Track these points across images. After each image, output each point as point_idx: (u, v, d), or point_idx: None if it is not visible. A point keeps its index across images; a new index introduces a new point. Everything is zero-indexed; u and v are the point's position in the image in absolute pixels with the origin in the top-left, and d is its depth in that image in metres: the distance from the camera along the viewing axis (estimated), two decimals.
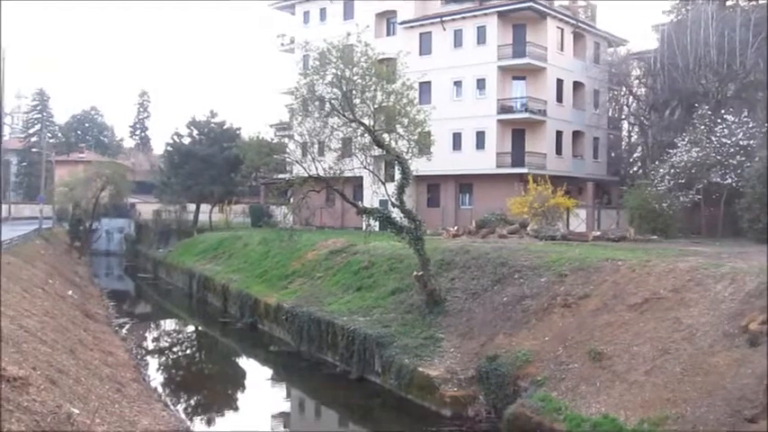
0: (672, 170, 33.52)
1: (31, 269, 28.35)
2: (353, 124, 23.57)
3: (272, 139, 36.01)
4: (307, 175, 24.10)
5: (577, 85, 47.64)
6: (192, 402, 21.17)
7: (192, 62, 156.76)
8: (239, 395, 23.16)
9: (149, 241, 60.43)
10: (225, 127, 57.06)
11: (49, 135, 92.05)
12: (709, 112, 35.14)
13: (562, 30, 46.28)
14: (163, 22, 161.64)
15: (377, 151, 24.71)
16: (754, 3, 41.08)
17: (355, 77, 22.91)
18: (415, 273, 22.45)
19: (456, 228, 35.04)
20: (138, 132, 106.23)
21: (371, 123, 23.49)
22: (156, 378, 21.78)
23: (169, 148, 58.22)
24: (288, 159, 28.61)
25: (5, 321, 14.25)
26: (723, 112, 34.84)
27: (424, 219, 25.34)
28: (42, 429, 9.28)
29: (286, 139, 34.28)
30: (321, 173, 24.07)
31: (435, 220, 41.04)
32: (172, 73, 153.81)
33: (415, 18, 47.54)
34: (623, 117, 53.94)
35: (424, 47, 46.70)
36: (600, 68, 47.93)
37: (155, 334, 33.43)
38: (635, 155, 52.13)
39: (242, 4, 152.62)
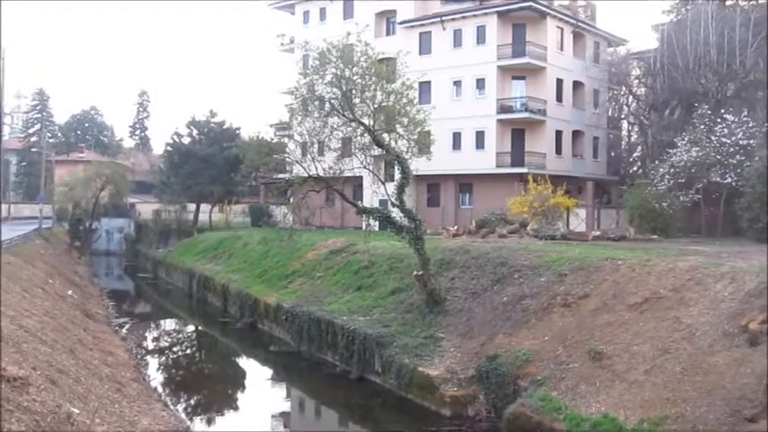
0: (672, 170, 33.54)
1: (30, 269, 28.36)
2: (353, 124, 23.57)
3: (272, 139, 35.93)
4: (306, 174, 24.11)
5: (577, 85, 47.64)
6: (192, 402, 21.17)
7: (192, 62, 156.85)
8: (239, 395, 23.16)
9: (149, 241, 60.44)
10: (225, 127, 57.04)
11: (49, 135, 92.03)
12: (709, 112, 35.15)
13: (562, 29, 46.28)
14: (162, 22, 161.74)
15: (377, 151, 24.71)
16: (753, 2, 41.07)
17: (355, 77, 22.91)
18: (414, 272, 22.46)
19: (456, 227, 35.03)
20: (137, 132, 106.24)
21: (371, 123, 23.50)
22: (155, 378, 21.78)
23: (169, 148, 58.20)
24: (287, 159, 28.60)
25: (5, 321, 14.26)
26: (723, 111, 34.86)
27: (423, 218, 25.32)
28: (42, 429, 9.29)
29: (286, 139, 34.26)
30: (321, 172, 24.08)
31: (435, 220, 41.04)
32: (171, 73, 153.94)
33: (414, 18, 47.54)
34: (623, 117, 53.95)
35: (424, 46, 46.71)
36: (600, 68, 47.93)
37: (155, 334, 33.42)
38: (635, 154, 52.12)
39: (242, 4, 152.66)
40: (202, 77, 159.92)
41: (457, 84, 45.52)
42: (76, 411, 10.97)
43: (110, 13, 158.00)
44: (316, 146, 25.16)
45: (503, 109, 44.18)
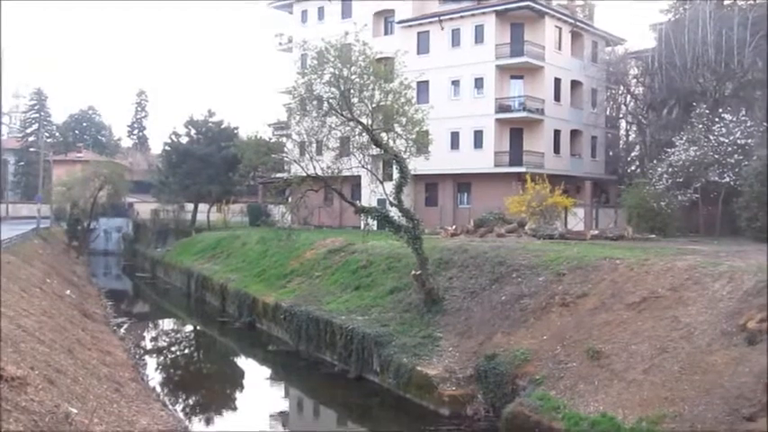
0: (670, 169, 33.58)
1: (29, 269, 28.34)
2: (351, 123, 23.55)
3: (270, 139, 35.98)
4: (305, 174, 24.11)
5: (575, 84, 47.65)
6: (191, 402, 21.14)
7: (190, 62, 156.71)
8: (238, 394, 23.15)
9: (147, 241, 60.42)
10: (223, 126, 56.97)
11: (47, 134, 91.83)
12: (707, 111, 35.19)
13: (560, 29, 46.28)
14: (161, 22, 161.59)
15: (375, 150, 24.72)
16: (751, 2, 41.11)
17: (353, 76, 22.90)
18: (413, 272, 22.45)
19: (454, 227, 35.02)
20: (135, 132, 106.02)
21: (369, 122, 23.49)
22: (154, 377, 21.73)
23: (167, 148, 58.10)
24: (286, 159, 28.56)
25: (4, 321, 14.25)
26: (721, 110, 34.92)
27: (422, 218, 25.32)
28: (40, 429, 9.28)
29: (284, 139, 34.26)
30: (319, 172, 24.06)
31: (433, 219, 41.06)
32: (170, 72, 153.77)
33: (412, 17, 47.53)
34: (621, 116, 53.97)
35: (422, 46, 46.70)
36: (598, 67, 47.97)
37: (153, 333, 33.38)
38: (633, 154, 52.14)
39: (240, 4, 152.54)
40: (201, 77, 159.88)
41: (455, 83, 45.51)
42: (75, 411, 10.97)
43: (108, 13, 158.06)
44: (314, 145, 25.13)
45: (501, 108, 44.18)
